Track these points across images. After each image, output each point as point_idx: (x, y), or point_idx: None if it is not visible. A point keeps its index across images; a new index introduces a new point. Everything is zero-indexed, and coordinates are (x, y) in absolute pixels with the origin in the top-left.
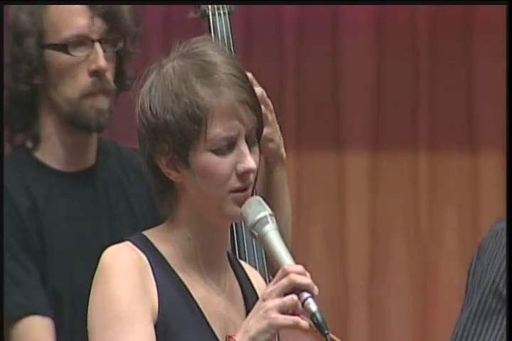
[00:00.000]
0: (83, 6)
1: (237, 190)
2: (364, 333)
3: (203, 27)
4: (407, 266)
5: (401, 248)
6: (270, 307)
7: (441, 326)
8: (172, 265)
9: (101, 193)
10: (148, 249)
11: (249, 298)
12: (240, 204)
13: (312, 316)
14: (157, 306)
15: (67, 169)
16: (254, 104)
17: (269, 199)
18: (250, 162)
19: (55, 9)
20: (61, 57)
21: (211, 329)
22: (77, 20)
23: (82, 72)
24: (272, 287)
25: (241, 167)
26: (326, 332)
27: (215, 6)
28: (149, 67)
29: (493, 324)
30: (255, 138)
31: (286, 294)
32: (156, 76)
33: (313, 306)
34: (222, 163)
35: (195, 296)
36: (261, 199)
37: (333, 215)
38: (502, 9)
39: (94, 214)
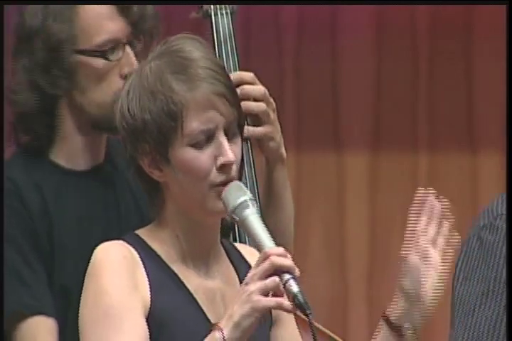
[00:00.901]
0: (113, 10)
1: (219, 185)
2: (363, 333)
3: (203, 27)
4: None
5: (400, 248)
6: (252, 290)
7: (440, 326)
8: (165, 259)
9: (108, 191)
10: (140, 245)
11: None
12: None
13: (294, 297)
14: (149, 300)
15: (76, 167)
16: (232, 97)
17: (271, 197)
18: (229, 154)
19: (85, 14)
20: (95, 63)
21: (207, 319)
22: (109, 24)
23: (114, 76)
24: (253, 270)
25: (220, 159)
26: (309, 312)
27: (218, 5)
28: (129, 72)
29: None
30: (236, 130)
31: (268, 276)
32: (134, 78)
33: (294, 287)
34: (200, 157)
35: (189, 286)
36: (241, 184)
37: (332, 215)
38: (502, 9)
39: (102, 213)
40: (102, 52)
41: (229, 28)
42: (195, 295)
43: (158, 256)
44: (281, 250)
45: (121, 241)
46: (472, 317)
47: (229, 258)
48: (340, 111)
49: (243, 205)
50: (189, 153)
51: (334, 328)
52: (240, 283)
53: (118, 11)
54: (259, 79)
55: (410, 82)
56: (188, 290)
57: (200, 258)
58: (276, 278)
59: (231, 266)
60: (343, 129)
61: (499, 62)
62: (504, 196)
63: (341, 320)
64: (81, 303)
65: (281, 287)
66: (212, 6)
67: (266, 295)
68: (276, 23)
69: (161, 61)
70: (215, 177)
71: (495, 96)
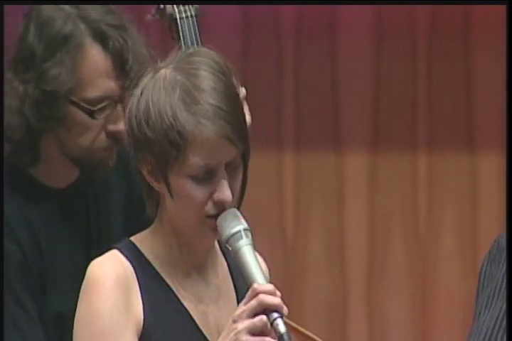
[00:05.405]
0: (112, 67)
1: (212, 216)
2: (363, 334)
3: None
4: (406, 266)
5: (400, 248)
6: (240, 329)
7: (440, 327)
8: (159, 270)
9: (86, 210)
10: (135, 256)
11: (242, 294)
12: (214, 229)
13: (280, 337)
14: (142, 320)
15: (58, 186)
16: (237, 137)
17: None
18: (226, 194)
19: (84, 66)
20: (82, 117)
21: (202, 334)
22: (106, 82)
23: (99, 128)
24: (242, 308)
25: (217, 196)
26: None
27: (182, 8)
28: (147, 69)
29: None
30: (239, 163)
31: (256, 314)
32: (149, 80)
33: (281, 327)
34: (198, 190)
35: (183, 301)
36: (237, 213)
37: (331, 215)
38: (502, 9)
39: (84, 232)
40: (90, 111)
41: (195, 31)
42: (190, 311)
43: (153, 268)
44: (270, 287)
45: (115, 252)
46: (477, 322)
47: (228, 265)
48: (340, 112)
49: (237, 236)
50: (188, 184)
51: (334, 329)
52: (236, 292)
53: (117, 69)
54: (257, 80)
55: (410, 82)
56: (182, 305)
57: (195, 269)
58: (264, 317)
59: (229, 276)
60: (343, 129)
61: (499, 62)
62: None
63: (341, 321)
64: (75, 322)
65: (269, 326)
66: (176, 10)
67: (253, 333)
68: (275, 23)
69: (175, 78)
70: (210, 209)
71: (495, 96)
